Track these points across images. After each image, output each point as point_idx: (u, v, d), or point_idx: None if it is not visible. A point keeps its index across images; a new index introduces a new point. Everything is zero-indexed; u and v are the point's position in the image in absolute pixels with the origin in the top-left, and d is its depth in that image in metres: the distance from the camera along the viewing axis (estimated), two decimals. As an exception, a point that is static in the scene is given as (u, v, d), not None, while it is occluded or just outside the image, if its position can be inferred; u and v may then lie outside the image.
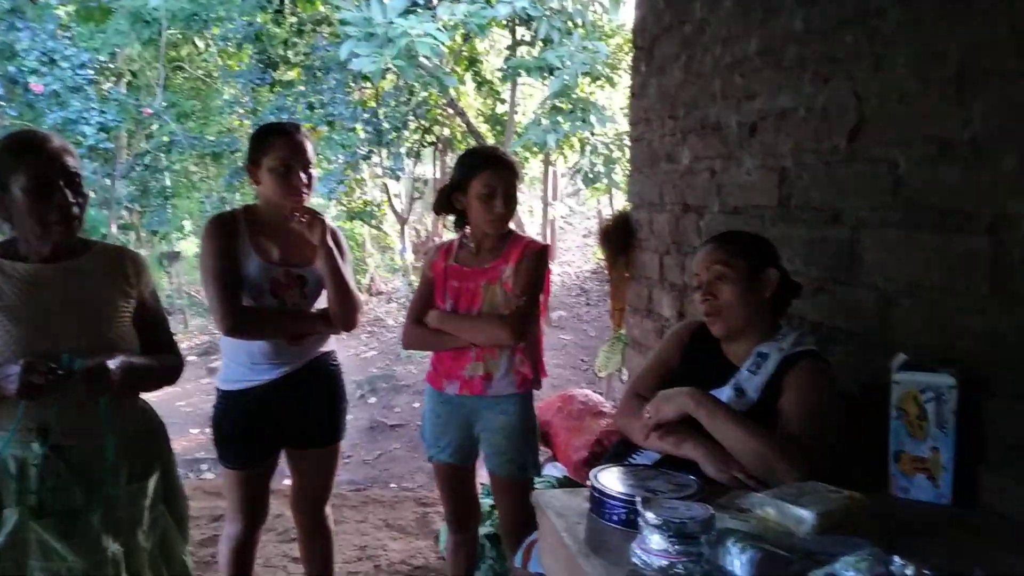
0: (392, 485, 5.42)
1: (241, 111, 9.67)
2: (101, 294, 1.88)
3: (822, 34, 2.18)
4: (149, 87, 9.88)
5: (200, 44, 10.36)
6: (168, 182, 10.57)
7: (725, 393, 1.85)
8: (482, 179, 2.35)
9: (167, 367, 1.99)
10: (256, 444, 2.38)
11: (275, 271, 2.33)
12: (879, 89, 1.95)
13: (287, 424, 2.38)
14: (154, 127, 9.64)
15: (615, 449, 2.02)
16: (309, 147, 2.37)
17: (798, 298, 1.99)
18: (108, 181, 9.24)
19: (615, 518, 1.42)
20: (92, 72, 8.11)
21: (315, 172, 2.41)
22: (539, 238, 2.60)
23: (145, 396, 2.04)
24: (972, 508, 1.60)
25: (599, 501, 1.45)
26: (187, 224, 12.11)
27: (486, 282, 2.37)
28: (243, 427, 2.35)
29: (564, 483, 3.27)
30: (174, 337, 2.10)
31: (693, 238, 3.05)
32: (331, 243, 2.30)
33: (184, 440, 6.42)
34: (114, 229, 9.74)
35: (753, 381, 1.85)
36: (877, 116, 1.96)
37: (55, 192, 1.77)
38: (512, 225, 2.53)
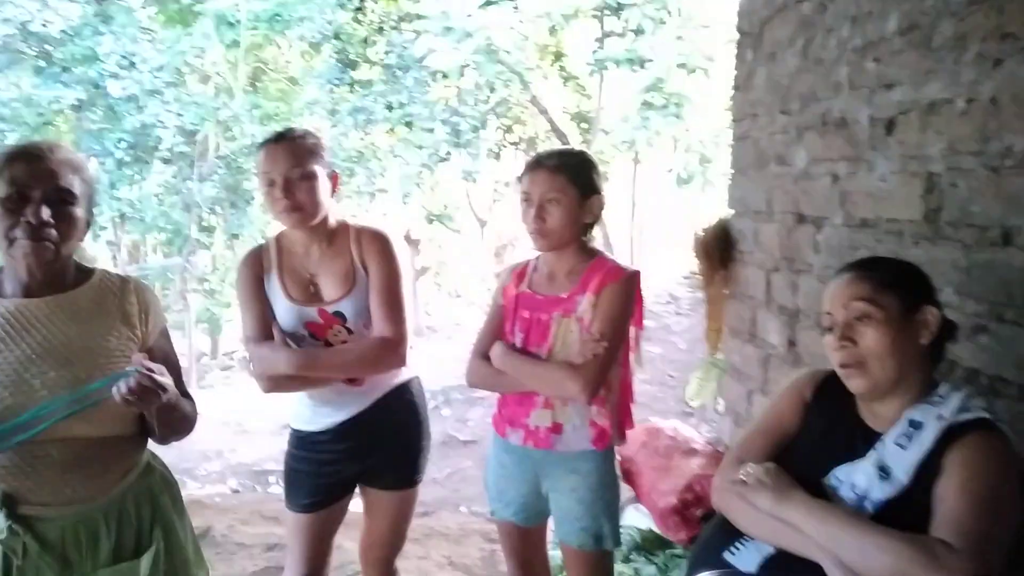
0: (462, 509, 5.11)
1: (321, 112, 9.60)
2: (92, 336, 1.58)
3: (990, 3, 1.72)
4: (230, 90, 9.94)
5: (282, 45, 10.38)
6: (252, 184, 10.63)
7: (863, 470, 1.43)
8: (522, 186, 1.99)
9: (188, 415, 1.69)
10: (328, 486, 2.15)
11: (308, 313, 2.05)
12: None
13: (360, 466, 2.14)
14: (235, 129, 9.69)
15: (711, 536, 1.61)
16: (301, 153, 2.00)
17: (953, 341, 1.56)
18: (189, 184, 9.34)
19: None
20: (170, 75, 8.18)
21: (317, 183, 2.01)
22: (627, 262, 2.12)
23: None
24: None
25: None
26: (272, 226, 12.21)
27: (559, 314, 1.97)
28: (312, 468, 2.14)
29: (648, 538, 2.84)
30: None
31: (808, 254, 2.59)
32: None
33: (253, 450, 6.30)
34: (195, 231, 9.85)
35: (903, 458, 1.41)
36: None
37: (28, 206, 1.49)
38: (598, 237, 2.12)
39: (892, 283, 1.46)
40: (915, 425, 1.42)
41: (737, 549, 1.48)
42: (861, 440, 1.48)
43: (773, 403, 1.69)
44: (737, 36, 3.41)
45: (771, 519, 1.41)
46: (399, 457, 2.18)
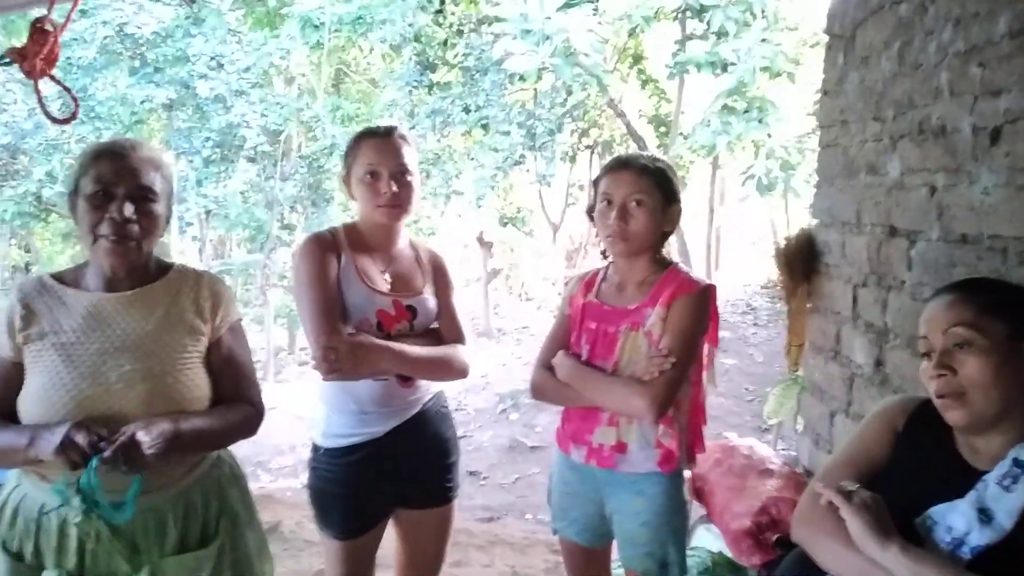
0: (527, 516, 5.06)
1: (400, 113, 9.71)
2: (167, 329, 1.62)
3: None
4: (313, 91, 10.15)
5: (364, 47, 10.54)
6: (333, 183, 10.83)
7: (961, 512, 1.31)
8: (602, 187, 1.93)
9: (233, 427, 1.67)
10: (368, 508, 2.06)
11: (382, 301, 2.01)
12: None
13: (398, 483, 2.06)
14: (317, 130, 9.88)
15: (789, 570, 1.51)
16: (406, 152, 2.02)
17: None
18: (272, 183, 9.58)
19: None
20: (256, 76, 8.39)
21: (415, 181, 2.05)
22: (702, 274, 2.02)
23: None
24: None
25: None
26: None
27: (627, 327, 1.89)
28: (353, 489, 2.03)
29: (720, 561, 2.72)
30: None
31: (900, 269, 2.44)
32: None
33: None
34: (276, 229, 10.09)
35: (1007, 501, 1.29)
36: None
37: (112, 203, 1.55)
38: (675, 249, 2.04)
39: (997, 307, 1.34)
40: (1021, 465, 1.30)
41: (818, 587, 1.38)
42: (959, 478, 1.36)
43: (860, 431, 1.57)
44: (826, 39, 3.26)
45: (857, 558, 1.30)
46: (434, 473, 2.12)
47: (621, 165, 1.94)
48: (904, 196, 2.44)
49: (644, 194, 1.87)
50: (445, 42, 8.84)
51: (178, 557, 1.59)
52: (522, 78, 7.17)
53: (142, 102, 8.56)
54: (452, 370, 2.05)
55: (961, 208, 2.13)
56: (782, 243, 3.48)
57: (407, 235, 2.18)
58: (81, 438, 1.40)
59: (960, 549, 1.26)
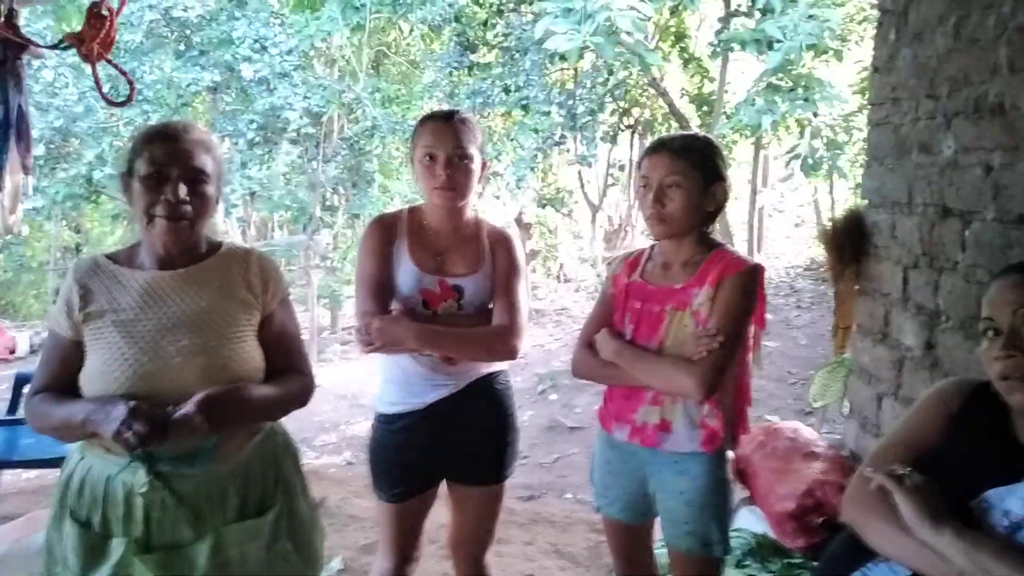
0: (568, 496, 5.08)
1: (440, 95, 9.70)
2: (220, 305, 1.66)
3: None
4: (354, 73, 10.18)
5: (405, 28, 10.53)
6: (373, 165, 10.88)
7: (1020, 496, 1.29)
8: (641, 170, 1.93)
9: (290, 396, 1.72)
10: (414, 474, 2.12)
11: (427, 280, 2.05)
12: None
13: (448, 454, 2.10)
14: (358, 112, 9.92)
15: (839, 553, 1.50)
16: (465, 136, 2.03)
17: None
18: (314, 164, 9.65)
19: None
20: (298, 59, 8.44)
21: (473, 165, 2.07)
22: (746, 255, 2.00)
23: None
24: None
25: None
26: (396, 205, 12.50)
27: (673, 307, 1.88)
28: (400, 455, 2.10)
29: (764, 544, 2.71)
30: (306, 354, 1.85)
31: (953, 250, 2.39)
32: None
33: (368, 424, 6.48)
34: (318, 210, 10.19)
35: (1068, 486, 1.26)
36: None
37: (167, 184, 1.58)
38: (717, 230, 2.02)
39: (1063, 289, 1.31)
40: (1081, 448, 1.28)
41: (869, 570, 1.37)
42: (1017, 461, 1.34)
43: (913, 413, 1.55)
44: (877, 14, 3.18)
45: (910, 541, 1.29)
46: (485, 451, 2.14)
47: (658, 147, 1.93)
48: (958, 175, 2.38)
49: (680, 175, 1.85)
50: (485, 22, 8.78)
51: (239, 524, 1.63)
52: (563, 57, 7.09)
53: (188, 85, 8.69)
54: (489, 352, 2.07)
55: (1018, 188, 2.08)
56: (829, 224, 3.42)
57: (478, 216, 2.19)
58: (139, 426, 1.43)
59: (1018, 533, 1.24)
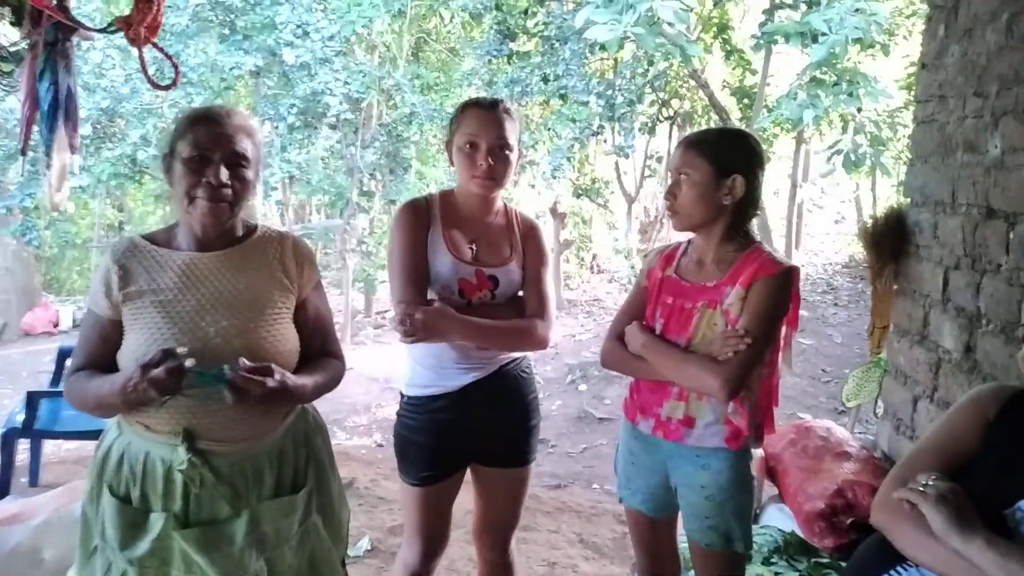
0: (595, 486, 5.08)
1: (479, 83, 9.68)
2: (258, 287, 1.70)
3: None
4: (394, 59, 10.20)
5: (445, 15, 10.52)
6: (410, 152, 10.91)
7: (1055, 505, 1.25)
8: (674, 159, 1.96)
9: (332, 382, 1.78)
10: (445, 457, 2.13)
11: (465, 271, 2.06)
12: None
13: (475, 437, 2.12)
14: (397, 98, 9.94)
15: (868, 557, 1.48)
16: (508, 126, 2.04)
17: None
18: (352, 150, 9.71)
19: None
20: (340, 44, 8.46)
21: (513, 156, 2.08)
22: (782, 255, 1.97)
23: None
24: None
25: None
26: (432, 191, 12.47)
27: (704, 304, 1.88)
28: (428, 438, 2.11)
29: (791, 542, 2.69)
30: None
31: (997, 252, 2.35)
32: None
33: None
34: (355, 195, 10.25)
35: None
36: None
37: (209, 167, 1.61)
38: (756, 229, 2.00)
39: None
40: (1120, 459, 1.25)
41: (899, 575, 1.36)
42: (1052, 469, 1.32)
43: (949, 418, 1.53)
44: (926, 9, 3.11)
45: (940, 548, 1.28)
46: (512, 434, 2.16)
47: (681, 140, 1.97)
48: (1005, 176, 2.33)
49: (688, 167, 1.87)
50: (526, 11, 8.73)
51: (274, 501, 1.68)
52: (603, 47, 7.03)
53: (231, 68, 8.76)
54: (525, 343, 2.09)
55: (1068, 190, 2.03)
56: (870, 222, 3.37)
57: (506, 205, 2.21)
58: (172, 362, 1.46)
59: (1050, 542, 1.23)
